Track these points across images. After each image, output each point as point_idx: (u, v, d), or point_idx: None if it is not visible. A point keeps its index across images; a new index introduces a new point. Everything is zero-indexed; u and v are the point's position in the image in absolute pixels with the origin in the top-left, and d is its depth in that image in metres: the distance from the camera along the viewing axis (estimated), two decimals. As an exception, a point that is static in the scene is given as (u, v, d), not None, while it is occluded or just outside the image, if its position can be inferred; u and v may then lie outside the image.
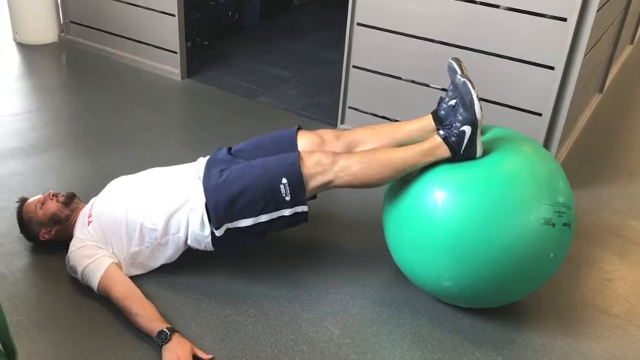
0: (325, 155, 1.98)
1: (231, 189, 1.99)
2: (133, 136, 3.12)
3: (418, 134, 2.08)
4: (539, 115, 2.73)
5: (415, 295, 2.12)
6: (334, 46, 3.69)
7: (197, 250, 2.21)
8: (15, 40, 4.30)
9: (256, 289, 2.13)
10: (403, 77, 3.02)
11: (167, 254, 2.10)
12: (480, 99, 2.64)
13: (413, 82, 2.98)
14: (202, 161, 2.21)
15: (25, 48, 4.22)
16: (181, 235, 2.05)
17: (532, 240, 1.83)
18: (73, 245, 2.07)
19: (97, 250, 2.03)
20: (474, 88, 1.91)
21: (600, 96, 3.89)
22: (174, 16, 3.70)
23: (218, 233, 2.02)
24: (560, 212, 1.85)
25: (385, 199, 2.13)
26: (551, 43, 2.59)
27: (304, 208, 1.99)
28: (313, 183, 1.96)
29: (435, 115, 2.09)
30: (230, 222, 2.01)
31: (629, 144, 3.48)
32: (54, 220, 2.15)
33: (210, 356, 1.84)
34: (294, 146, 2.12)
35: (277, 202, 1.97)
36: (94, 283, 1.99)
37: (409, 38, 2.93)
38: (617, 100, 3.95)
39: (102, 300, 2.00)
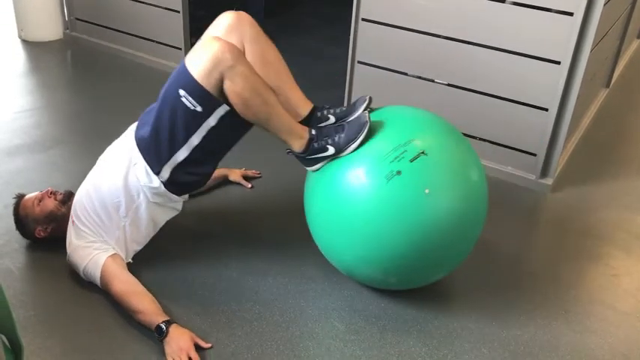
0: (230, 48, 1.82)
1: (152, 133, 1.97)
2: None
3: (289, 103, 2.04)
4: (546, 110, 2.72)
5: (420, 291, 2.12)
6: (339, 42, 3.68)
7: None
8: (20, 37, 4.31)
9: (262, 285, 2.13)
10: (409, 73, 3.01)
11: (148, 221, 2.10)
12: (486, 94, 2.63)
13: (419, 77, 2.97)
14: (133, 126, 2.19)
15: (30, 45, 4.23)
16: (142, 196, 2.05)
17: (389, 201, 1.78)
18: (68, 247, 2.08)
19: (89, 247, 2.03)
20: (367, 135, 1.86)
21: (607, 91, 3.87)
22: (178, 12, 3.70)
23: (163, 176, 2.00)
24: (396, 157, 1.79)
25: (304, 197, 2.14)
26: (558, 37, 2.58)
27: (225, 108, 1.88)
28: (213, 76, 1.82)
29: (313, 112, 2.07)
30: (168, 160, 1.98)
31: (635, 139, 3.46)
32: (50, 217, 2.15)
33: (209, 345, 1.86)
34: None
35: (193, 117, 1.89)
36: (97, 281, 2.00)
37: (414, 33, 2.91)
38: (623, 95, 3.92)
39: (107, 295, 2.00)
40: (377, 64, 3.09)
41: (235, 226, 2.45)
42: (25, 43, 4.25)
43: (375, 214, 1.81)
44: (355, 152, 1.87)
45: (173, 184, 2.04)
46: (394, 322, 2.02)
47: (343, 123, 1.96)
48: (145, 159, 2.02)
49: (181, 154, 1.97)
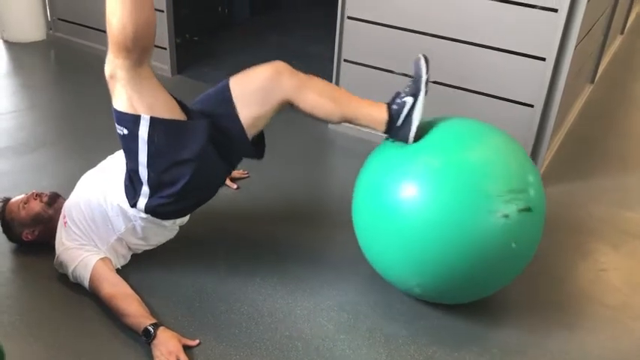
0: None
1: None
2: (124, 134, 3.09)
3: (365, 119, 1.97)
4: (532, 106, 2.72)
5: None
6: (325, 40, 3.67)
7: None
8: (2, 38, 4.26)
9: (250, 286, 2.12)
10: (395, 70, 3.00)
11: (142, 238, 2.08)
12: (472, 91, 2.62)
13: (405, 75, 2.97)
14: None
15: (12, 46, 4.18)
16: (137, 218, 2.01)
17: (484, 236, 1.77)
18: (57, 248, 2.06)
19: (80, 249, 2.01)
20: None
21: (592, 86, 3.89)
22: (162, 12, 3.67)
23: (140, 207, 1.95)
24: (510, 200, 1.77)
25: (354, 199, 2.07)
26: (542, 34, 2.58)
27: (146, 118, 1.83)
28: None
29: (389, 108, 1.97)
30: (138, 192, 1.95)
31: (621, 134, 3.48)
32: (37, 220, 2.12)
33: (197, 341, 1.86)
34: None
35: (128, 140, 1.88)
36: (85, 283, 1.98)
37: (400, 31, 2.91)
38: (608, 91, 3.95)
39: (94, 299, 1.98)
40: (363, 63, 3.09)
41: (222, 227, 2.44)
42: (8, 44, 4.21)
43: (459, 238, 1.78)
44: (465, 170, 1.80)
45: (155, 213, 1.99)
46: (383, 321, 2.01)
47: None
48: (123, 193, 2.01)
49: (142, 178, 1.92)
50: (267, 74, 1.92)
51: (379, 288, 2.14)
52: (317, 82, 1.97)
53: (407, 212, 1.83)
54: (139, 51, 1.78)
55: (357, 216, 2.04)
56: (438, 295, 1.99)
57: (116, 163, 2.15)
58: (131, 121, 1.86)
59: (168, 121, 1.86)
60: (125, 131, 1.87)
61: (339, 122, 2.04)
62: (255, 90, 1.92)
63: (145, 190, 1.94)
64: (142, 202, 1.96)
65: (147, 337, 1.81)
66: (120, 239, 2.06)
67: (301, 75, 1.94)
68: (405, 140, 1.89)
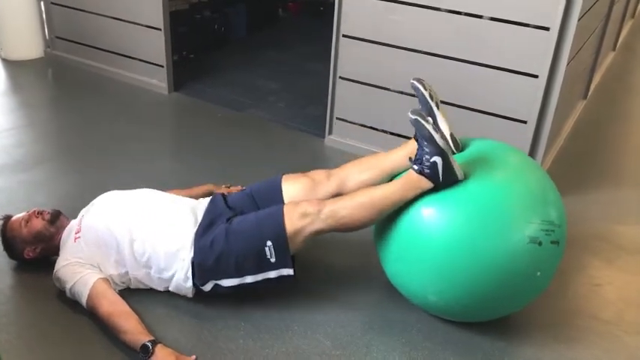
0: (311, 205, 1.97)
1: (216, 252, 1.98)
2: (121, 151, 3.11)
3: (405, 163, 2.06)
4: (525, 122, 2.76)
5: (406, 307, 2.13)
6: (320, 57, 3.72)
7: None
8: (0, 56, 4.28)
9: (247, 302, 2.12)
10: (390, 88, 3.04)
11: (151, 285, 2.11)
12: (466, 108, 2.66)
13: (400, 92, 3.01)
14: (200, 204, 2.19)
15: (10, 64, 4.21)
16: (164, 276, 2.05)
17: (516, 259, 1.82)
18: (59, 263, 2.06)
19: (82, 266, 2.02)
20: (427, 122, 1.87)
21: (584, 102, 3.93)
22: (160, 30, 3.71)
23: (205, 288, 2.03)
24: (548, 230, 1.83)
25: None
26: (535, 51, 2.62)
27: (290, 272, 1.99)
28: (302, 235, 1.96)
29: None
30: (215, 280, 2.02)
31: (614, 150, 3.52)
32: (39, 238, 2.13)
33: (194, 357, 1.86)
34: (279, 197, 2.12)
35: (262, 264, 1.98)
36: (83, 300, 1.98)
37: (395, 49, 2.95)
38: (601, 106, 3.99)
39: (91, 316, 1.98)
40: (358, 80, 3.12)
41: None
42: (6, 62, 4.23)
43: (489, 262, 1.82)
44: (501, 195, 1.87)
45: (207, 293, 2.06)
46: (379, 336, 2.02)
47: (416, 137, 1.95)
48: (194, 267, 2.01)
49: (229, 282, 2.01)
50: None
51: (376, 306, 2.15)
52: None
53: (435, 234, 1.87)
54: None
55: (381, 234, 2.07)
56: (457, 311, 2.00)
57: (157, 210, 2.13)
58: (284, 261, 1.98)
59: (289, 279, 2.02)
60: (273, 259, 1.97)
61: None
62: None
63: (219, 284, 2.02)
64: (209, 286, 2.03)
65: (144, 354, 1.81)
66: (126, 274, 2.07)
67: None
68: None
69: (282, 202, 2.08)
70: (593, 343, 2.05)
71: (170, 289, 2.09)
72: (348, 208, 1.95)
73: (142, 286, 2.13)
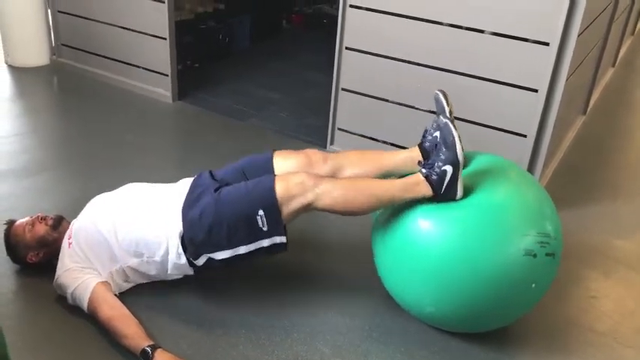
0: (309, 177, 1.96)
1: (207, 224, 1.98)
2: (125, 158, 3.14)
3: (404, 164, 2.09)
4: (524, 136, 2.79)
5: (405, 316, 2.15)
6: (323, 69, 3.76)
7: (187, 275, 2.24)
8: (7, 62, 4.32)
9: (248, 308, 2.15)
10: (391, 100, 3.08)
11: (150, 274, 2.13)
12: (466, 121, 2.69)
13: (401, 104, 3.04)
14: (185, 184, 2.18)
15: (16, 71, 4.25)
16: (157, 259, 2.06)
17: (512, 271, 1.84)
18: (59, 269, 2.08)
19: (81, 271, 2.04)
20: (456, 129, 1.91)
21: (584, 117, 3.97)
22: (165, 39, 3.75)
23: (198, 262, 2.04)
24: (543, 243, 1.86)
25: (375, 222, 2.16)
26: (535, 66, 2.66)
27: (282, 239, 1.99)
28: (293, 205, 1.94)
29: (421, 146, 2.09)
30: (208, 253, 2.02)
31: (613, 164, 3.55)
32: (42, 243, 2.16)
33: None
34: (270, 172, 2.12)
35: (255, 233, 1.97)
36: (84, 305, 2.01)
37: (396, 62, 2.99)
38: (600, 122, 4.03)
39: (92, 320, 2.00)
40: (360, 92, 3.16)
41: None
42: (12, 68, 4.27)
43: (485, 273, 1.85)
44: (496, 207, 1.89)
45: (202, 267, 2.07)
46: (378, 344, 2.04)
47: (436, 142, 1.98)
48: (185, 242, 2.03)
49: (222, 255, 2.01)
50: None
51: (375, 314, 2.17)
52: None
53: (432, 245, 1.90)
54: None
55: (378, 245, 2.09)
56: (453, 322, 2.03)
57: (139, 198, 2.17)
58: (276, 229, 1.97)
59: (283, 246, 2.02)
60: (265, 228, 1.96)
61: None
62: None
63: (213, 257, 2.01)
64: (202, 260, 2.03)
65: (144, 359, 1.83)
66: (122, 269, 2.09)
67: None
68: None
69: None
70: (589, 354, 2.07)
71: (169, 272, 2.09)
72: (344, 189, 1.95)
73: (144, 280, 2.14)
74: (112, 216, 2.11)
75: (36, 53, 4.32)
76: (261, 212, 1.94)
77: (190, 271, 2.10)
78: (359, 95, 3.17)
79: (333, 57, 3.16)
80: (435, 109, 2.08)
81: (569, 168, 3.34)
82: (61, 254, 2.12)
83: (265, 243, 1.99)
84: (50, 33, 4.33)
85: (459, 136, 1.91)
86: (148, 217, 2.08)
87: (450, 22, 2.80)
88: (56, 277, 2.08)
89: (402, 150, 2.16)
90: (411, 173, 2.01)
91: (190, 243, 2.01)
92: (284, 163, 2.15)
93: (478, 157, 2.11)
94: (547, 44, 2.60)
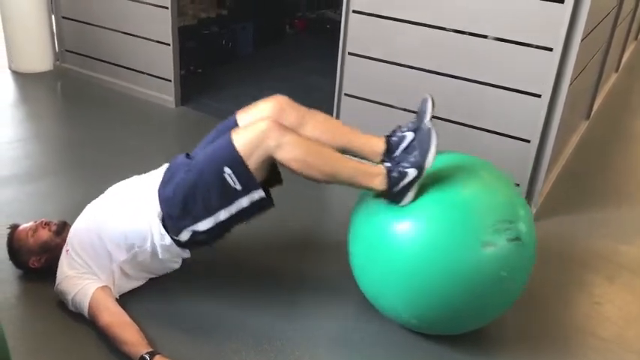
0: (274, 124, 1.88)
1: (180, 197, 1.97)
2: (128, 163, 3.14)
3: (361, 148, 2.03)
4: (528, 141, 2.79)
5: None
6: (326, 74, 3.75)
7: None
8: (10, 68, 4.34)
9: (249, 315, 2.14)
10: (394, 105, 3.07)
11: (149, 266, 2.13)
12: (469, 126, 2.68)
13: (404, 109, 3.04)
14: (163, 168, 2.18)
15: (20, 76, 4.26)
16: (148, 247, 2.05)
17: (475, 265, 1.81)
18: (58, 276, 2.09)
19: (80, 278, 2.04)
20: (437, 137, 1.87)
21: (587, 122, 3.96)
22: (168, 45, 3.76)
23: (181, 238, 2.02)
24: (501, 230, 1.81)
25: (349, 229, 2.13)
26: (538, 71, 2.66)
27: (260, 193, 1.93)
28: (258, 155, 1.87)
29: (388, 140, 2.04)
30: (189, 227, 1.99)
31: (616, 169, 3.54)
32: (44, 248, 2.16)
33: None
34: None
35: (229, 194, 1.92)
36: (85, 311, 2.01)
37: (399, 67, 2.99)
38: (603, 127, 4.02)
39: (93, 326, 2.00)
40: (363, 97, 3.16)
41: (225, 258, 2.46)
42: (15, 74, 4.28)
43: (448, 271, 1.82)
44: (456, 205, 1.86)
45: (188, 244, 2.06)
46: (381, 350, 2.03)
47: (412, 144, 1.94)
48: (164, 220, 2.02)
49: (204, 225, 1.98)
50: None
51: (374, 318, 2.16)
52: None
53: (398, 246, 1.88)
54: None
55: (352, 251, 2.08)
56: (430, 326, 2.02)
57: (121, 192, 2.19)
58: (250, 185, 1.92)
59: (266, 201, 1.98)
60: (238, 187, 1.92)
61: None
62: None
63: (195, 229, 1.99)
64: (185, 235, 2.01)
65: None
66: (119, 268, 2.09)
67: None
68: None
69: None
70: (593, 359, 2.06)
71: (161, 257, 2.07)
72: (308, 150, 1.89)
73: (145, 274, 2.15)
74: (97, 215, 2.12)
75: (39, 59, 4.33)
76: (227, 170, 1.89)
77: (183, 253, 2.09)
78: (362, 100, 3.17)
79: (336, 62, 3.16)
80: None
81: (573, 173, 3.33)
82: (60, 261, 2.12)
83: (244, 202, 1.94)
84: (54, 39, 4.34)
85: (437, 146, 1.86)
86: (129, 207, 2.09)
87: (454, 28, 2.80)
88: (56, 283, 2.08)
89: (366, 134, 2.08)
90: (362, 158, 1.98)
91: (170, 220, 2.01)
92: (247, 117, 2.09)
93: (449, 155, 2.05)
94: (550, 49, 2.60)
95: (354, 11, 3.02)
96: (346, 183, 1.94)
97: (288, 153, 1.87)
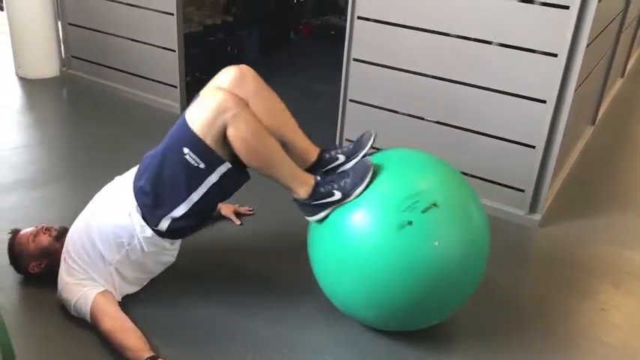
0: (230, 96, 1.87)
1: (150, 186, 1.99)
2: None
3: (293, 147, 2.06)
4: (533, 147, 2.78)
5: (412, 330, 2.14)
6: (331, 80, 3.76)
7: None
8: (17, 74, 4.36)
9: (252, 320, 2.14)
10: (399, 111, 3.07)
11: (143, 265, 2.13)
12: (474, 132, 2.68)
13: (409, 115, 3.04)
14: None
15: (27, 82, 4.28)
16: (136, 243, 2.06)
17: (402, 247, 1.80)
18: (59, 284, 2.10)
19: (79, 284, 2.05)
20: (372, 178, 1.88)
21: (592, 128, 3.95)
22: (174, 51, 3.78)
23: (161, 228, 2.03)
24: (409, 207, 1.80)
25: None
26: (543, 77, 2.66)
27: (227, 166, 1.92)
28: (215, 131, 1.86)
29: (321, 154, 2.07)
30: (166, 215, 2.01)
31: (622, 175, 3.53)
32: (45, 253, 2.16)
33: None
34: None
35: (195, 174, 1.93)
36: (87, 318, 2.01)
37: (404, 73, 2.99)
38: (609, 132, 4.01)
39: (96, 331, 2.00)
40: (368, 103, 3.16)
41: (225, 261, 2.47)
42: (22, 80, 4.31)
43: (383, 262, 1.82)
44: (365, 198, 1.87)
45: (169, 233, 2.06)
46: (387, 358, 2.03)
47: (347, 170, 1.98)
48: (141, 212, 2.04)
49: (180, 210, 2.00)
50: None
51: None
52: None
53: (335, 244, 1.93)
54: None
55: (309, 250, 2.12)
56: (409, 322, 2.02)
57: (104, 196, 2.21)
58: (213, 160, 1.91)
59: (236, 173, 1.97)
60: (202, 165, 1.91)
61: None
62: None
63: (173, 216, 2.00)
64: (165, 223, 2.02)
65: None
66: (116, 270, 2.09)
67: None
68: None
69: None
70: (599, 367, 2.05)
71: (147, 250, 2.07)
72: (254, 135, 1.88)
73: (144, 275, 2.16)
74: (86, 219, 2.14)
75: (46, 65, 4.36)
76: (186, 150, 1.89)
77: (168, 244, 2.10)
78: (367, 106, 3.17)
79: (341, 68, 3.17)
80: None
81: (578, 179, 3.32)
82: (59, 269, 2.13)
83: (213, 178, 1.94)
84: (60, 45, 4.37)
85: (367, 185, 1.87)
86: (111, 206, 2.11)
87: (458, 34, 2.81)
88: (58, 291, 2.10)
89: (307, 139, 2.11)
90: (290, 155, 2.00)
91: (147, 211, 2.02)
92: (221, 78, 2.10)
93: (396, 150, 2.11)
94: (555, 55, 2.60)
95: (359, 17, 3.03)
96: (274, 178, 1.96)
97: (239, 130, 1.86)
